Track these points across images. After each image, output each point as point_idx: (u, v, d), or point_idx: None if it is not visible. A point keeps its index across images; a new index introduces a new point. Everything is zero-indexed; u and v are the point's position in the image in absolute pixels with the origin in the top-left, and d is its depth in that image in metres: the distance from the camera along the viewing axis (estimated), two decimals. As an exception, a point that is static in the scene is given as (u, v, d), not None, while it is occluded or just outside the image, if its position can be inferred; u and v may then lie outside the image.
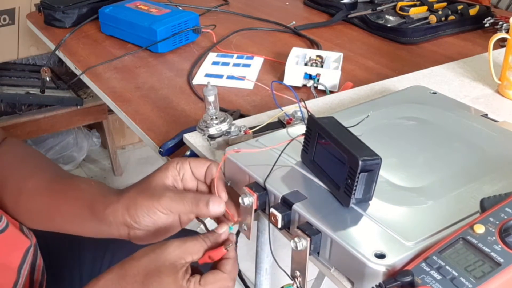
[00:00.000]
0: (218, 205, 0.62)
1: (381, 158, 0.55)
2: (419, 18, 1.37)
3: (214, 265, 0.62)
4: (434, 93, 0.84)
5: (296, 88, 1.06)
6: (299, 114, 0.79)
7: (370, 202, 0.58)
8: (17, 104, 1.95)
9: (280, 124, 0.80)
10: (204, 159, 0.66)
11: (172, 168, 0.65)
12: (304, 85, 1.07)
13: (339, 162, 0.57)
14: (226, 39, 1.32)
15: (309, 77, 1.05)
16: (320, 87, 1.04)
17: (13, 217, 0.79)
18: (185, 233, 1.06)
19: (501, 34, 0.94)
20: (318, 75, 1.05)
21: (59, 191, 0.74)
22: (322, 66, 1.07)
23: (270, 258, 1.15)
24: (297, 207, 0.58)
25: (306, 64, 1.08)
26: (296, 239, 0.55)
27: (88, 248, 0.94)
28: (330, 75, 1.04)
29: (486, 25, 1.35)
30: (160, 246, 0.60)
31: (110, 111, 1.64)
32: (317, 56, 1.10)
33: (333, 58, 1.11)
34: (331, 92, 1.01)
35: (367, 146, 0.57)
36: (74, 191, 0.73)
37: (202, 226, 1.65)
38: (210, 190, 0.66)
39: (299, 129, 0.70)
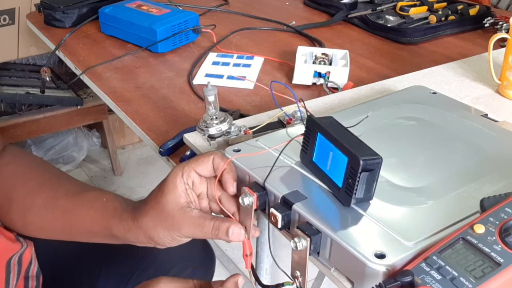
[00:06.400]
0: (238, 233, 0.62)
1: (381, 158, 0.55)
2: (419, 18, 1.37)
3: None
4: (434, 93, 0.84)
5: (306, 86, 1.07)
6: (299, 114, 0.79)
7: (370, 202, 0.58)
8: (17, 104, 1.95)
9: (280, 124, 0.80)
10: (204, 156, 0.64)
11: (180, 183, 0.62)
12: (314, 84, 1.07)
13: (339, 161, 0.57)
14: (226, 39, 1.32)
15: (318, 75, 1.05)
16: (330, 84, 1.04)
17: (22, 233, 0.78)
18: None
19: (501, 34, 0.94)
20: (327, 72, 1.05)
21: (70, 210, 0.72)
22: (330, 64, 1.07)
23: (270, 258, 1.15)
24: (297, 207, 0.58)
25: (314, 63, 1.08)
26: (296, 239, 0.55)
27: (89, 249, 0.94)
28: (339, 72, 1.04)
29: (486, 25, 1.35)
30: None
31: (110, 111, 1.64)
32: (323, 54, 1.10)
33: (339, 56, 1.10)
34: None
35: (367, 145, 0.57)
36: (88, 210, 0.71)
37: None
38: (221, 183, 0.64)
39: (299, 129, 0.70)
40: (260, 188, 0.62)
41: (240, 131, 0.77)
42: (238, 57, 1.20)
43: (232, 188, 0.63)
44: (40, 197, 0.74)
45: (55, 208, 0.73)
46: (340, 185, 0.58)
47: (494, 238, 0.49)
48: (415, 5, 1.42)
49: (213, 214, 0.67)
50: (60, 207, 0.73)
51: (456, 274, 0.47)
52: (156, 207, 0.63)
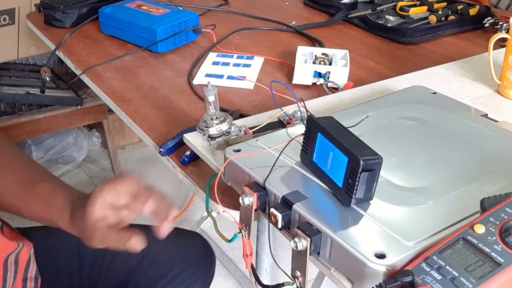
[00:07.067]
0: (135, 245, 0.68)
1: (381, 158, 0.55)
2: (419, 18, 1.37)
3: None
4: (434, 93, 0.84)
5: (306, 86, 1.07)
6: (299, 114, 0.79)
7: (370, 202, 0.58)
8: (17, 104, 1.94)
9: (280, 124, 0.80)
10: (118, 183, 0.69)
11: (98, 201, 0.67)
12: (314, 84, 1.07)
13: (339, 161, 0.57)
14: (226, 39, 1.32)
15: (318, 75, 1.05)
16: (330, 84, 1.04)
17: None
18: (186, 233, 1.06)
19: (501, 34, 0.94)
20: (327, 73, 1.04)
21: (23, 198, 0.77)
22: (330, 64, 1.07)
23: (270, 258, 1.15)
24: (297, 207, 0.58)
25: (314, 63, 1.08)
26: (296, 239, 0.55)
27: (89, 250, 0.94)
28: (339, 72, 1.04)
29: (486, 25, 1.35)
30: None
31: (110, 111, 1.64)
32: (323, 54, 1.10)
33: (339, 56, 1.10)
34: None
35: (368, 145, 0.57)
36: (36, 204, 0.76)
37: (201, 226, 1.67)
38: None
39: (299, 129, 0.70)
40: (260, 188, 0.62)
41: (240, 131, 0.77)
42: (238, 57, 1.20)
43: (146, 209, 0.67)
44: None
45: (11, 194, 0.77)
46: (340, 185, 0.58)
47: (494, 238, 0.49)
48: (415, 5, 1.42)
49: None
50: (15, 194, 0.77)
51: (456, 274, 0.47)
52: (82, 213, 0.69)
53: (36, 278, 0.85)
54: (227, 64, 1.17)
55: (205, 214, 1.81)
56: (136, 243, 0.68)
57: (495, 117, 0.80)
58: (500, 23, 1.32)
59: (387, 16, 1.40)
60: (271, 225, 0.60)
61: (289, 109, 0.81)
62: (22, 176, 0.79)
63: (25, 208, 0.77)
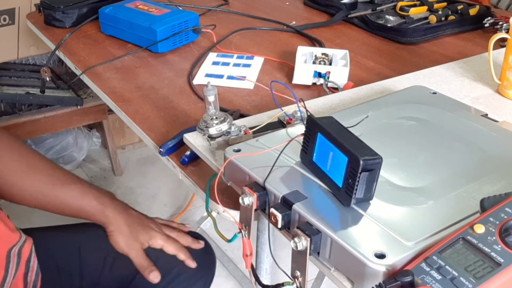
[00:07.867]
0: (152, 277, 0.85)
1: (381, 158, 0.55)
2: (419, 18, 1.37)
3: None
4: (434, 93, 0.84)
5: (306, 86, 1.07)
6: (299, 114, 0.79)
7: (370, 202, 0.58)
8: (17, 104, 1.94)
9: (280, 124, 0.80)
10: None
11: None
12: (314, 84, 1.07)
13: (339, 161, 0.57)
14: (226, 39, 1.32)
15: (318, 75, 1.05)
16: (330, 84, 1.04)
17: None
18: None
19: (501, 34, 0.94)
20: (327, 73, 1.04)
21: (60, 199, 0.85)
22: (330, 64, 1.07)
23: (270, 258, 1.15)
24: (297, 207, 0.58)
25: (314, 63, 1.08)
26: (296, 239, 0.55)
27: (90, 251, 0.94)
28: (339, 72, 1.04)
29: (486, 25, 1.35)
30: None
31: (110, 111, 1.64)
32: (323, 54, 1.10)
33: (339, 56, 1.10)
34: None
35: (367, 145, 0.57)
36: (74, 204, 0.86)
37: (201, 226, 1.68)
38: None
39: (299, 129, 0.70)
40: (260, 188, 0.62)
41: (240, 131, 0.77)
42: (238, 57, 1.20)
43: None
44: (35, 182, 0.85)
45: (47, 195, 0.85)
46: (340, 185, 0.58)
47: (494, 238, 0.49)
48: (415, 5, 1.42)
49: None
50: (52, 195, 0.85)
51: (456, 274, 0.47)
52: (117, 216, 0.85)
53: (37, 273, 0.85)
54: (227, 64, 1.17)
55: (205, 214, 1.81)
56: (155, 279, 0.84)
57: (495, 117, 0.80)
58: (500, 23, 1.32)
59: (387, 16, 1.40)
60: (271, 225, 0.61)
61: (289, 109, 0.81)
62: (53, 177, 0.86)
63: (55, 207, 0.86)
